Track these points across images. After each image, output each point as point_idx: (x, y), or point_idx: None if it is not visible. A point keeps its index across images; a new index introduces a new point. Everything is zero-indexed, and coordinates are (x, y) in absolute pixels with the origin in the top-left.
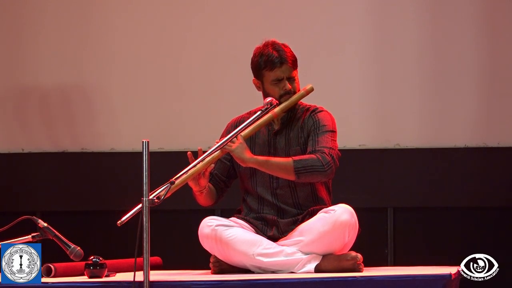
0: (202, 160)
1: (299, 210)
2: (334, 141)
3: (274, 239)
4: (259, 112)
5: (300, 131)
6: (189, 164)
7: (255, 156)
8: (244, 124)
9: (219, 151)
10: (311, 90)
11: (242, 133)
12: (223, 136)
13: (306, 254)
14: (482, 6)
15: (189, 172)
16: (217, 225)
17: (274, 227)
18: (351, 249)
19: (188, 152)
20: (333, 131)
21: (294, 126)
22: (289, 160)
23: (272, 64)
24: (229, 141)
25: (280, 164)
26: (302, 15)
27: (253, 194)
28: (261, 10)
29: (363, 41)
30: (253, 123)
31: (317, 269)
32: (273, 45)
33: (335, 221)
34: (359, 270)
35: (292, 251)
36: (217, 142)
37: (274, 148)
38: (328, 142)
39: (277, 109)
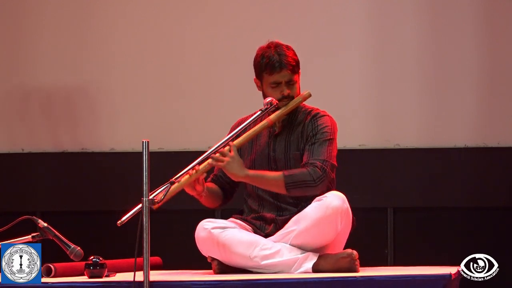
0: (194, 167)
1: (299, 208)
2: (331, 151)
3: (271, 235)
4: (259, 112)
5: (300, 136)
6: (191, 162)
7: (247, 171)
8: (241, 126)
9: (209, 162)
10: (309, 96)
11: (235, 142)
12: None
13: (302, 252)
14: (482, 6)
15: (182, 181)
16: (213, 228)
17: (273, 224)
18: (346, 246)
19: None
20: (331, 139)
21: (295, 129)
22: (279, 174)
23: (271, 68)
24: (221, 151)
25: (271, 180)
26: (302, 15)
27: (253, 195)
28: (261, 10)
29: (363, 41)
30: (248, 127)
31: (315, 268)
32: (276, 47)
33: (327, 207)
34: (356, 268)
35: (288, 250)
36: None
37: (273, 151)
38: (324, 153)
39: (272, 116)
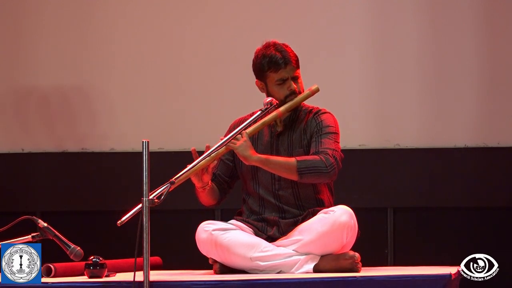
0: (206, 157)
1: (301, 210)
2: (337, 143)
3: (274, 238)
4: (259, 112)
5: (303, 133)
6: (192, 160)
7: (259, 155)
8: (245, 123)
9: (223, 147)
10: (317, 90)
11: (247, 130)
12: (226, 136)
13: (303, 254)
14: (482, 6)
15: (193, 167)
16: (214, 230)
17: (275, 226)
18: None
19: (192, 148)
20: (336, 133)
21: (297, 127)
22: (292, 160)
23: (276, 65)
24: (233, 138)
25: (284, 164)
26: (302, 15)
27: (254, 196)
28: (261, 10)
29: (363, 41)
30: (256, 121)
31: (316, 269)
32: (275, 46)
33: (334, 222)
34: (357, 269)
35: (290, 253)
36: (222, 139)
37: (276, 150)
38: (331, 143)
39: (282, 108)
